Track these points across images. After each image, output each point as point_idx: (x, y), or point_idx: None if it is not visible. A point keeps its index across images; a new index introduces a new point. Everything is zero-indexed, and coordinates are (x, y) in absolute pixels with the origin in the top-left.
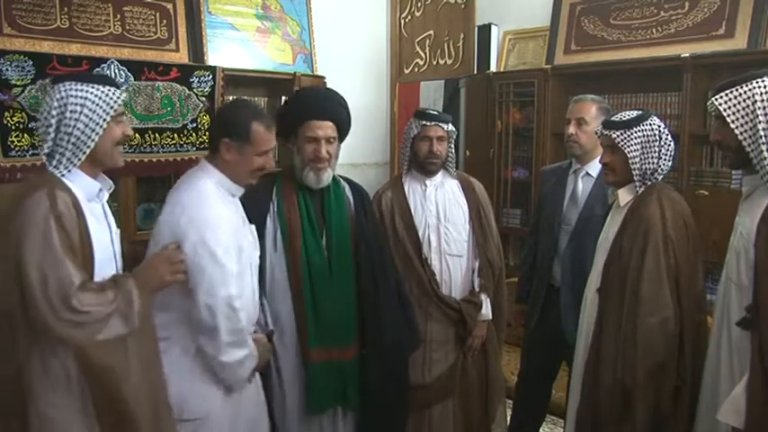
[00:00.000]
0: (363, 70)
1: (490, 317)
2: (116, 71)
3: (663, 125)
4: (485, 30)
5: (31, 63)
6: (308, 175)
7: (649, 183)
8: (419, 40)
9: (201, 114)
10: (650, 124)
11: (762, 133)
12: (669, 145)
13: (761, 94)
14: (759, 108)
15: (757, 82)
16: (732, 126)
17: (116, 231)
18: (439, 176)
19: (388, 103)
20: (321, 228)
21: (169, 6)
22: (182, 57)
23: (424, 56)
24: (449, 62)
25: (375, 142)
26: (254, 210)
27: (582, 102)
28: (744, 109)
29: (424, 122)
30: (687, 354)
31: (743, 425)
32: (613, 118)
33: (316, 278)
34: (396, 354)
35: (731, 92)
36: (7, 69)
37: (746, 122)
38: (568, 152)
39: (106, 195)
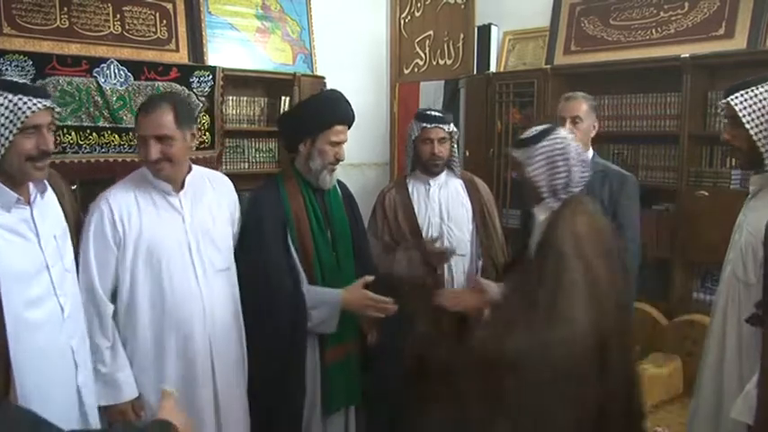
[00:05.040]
0: (363, 70)
1: None
2: (116, 71)
3: (570, 137)
4: (485, 30)
5: (31, 63)
6: (325, 177)
7: (564, 197)
8: (419, 41)
9: (201, 114)
10: (553, 139)
11: None
12: (579, 156)
13: None
14: None
15: None
16: (747, 126)
17: (51, 236)
18: (443, 176)
19: (387, 103)
20: (326, 225)
21: (169, 6)
22: (181, 57)
23: (423, 56)
24: (449, 62)
25: (375, 142)
26: (270, 214)
27: (574, 100)
28: (759, 110)
29: (424, 125)
30: (610, 368)
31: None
32: (523, 135)
33: (327, 275)
34: (391, 346)
35: (746, 92)
36: (7, 69)
37: (761, 123)
38: None
39: (39, 198)
